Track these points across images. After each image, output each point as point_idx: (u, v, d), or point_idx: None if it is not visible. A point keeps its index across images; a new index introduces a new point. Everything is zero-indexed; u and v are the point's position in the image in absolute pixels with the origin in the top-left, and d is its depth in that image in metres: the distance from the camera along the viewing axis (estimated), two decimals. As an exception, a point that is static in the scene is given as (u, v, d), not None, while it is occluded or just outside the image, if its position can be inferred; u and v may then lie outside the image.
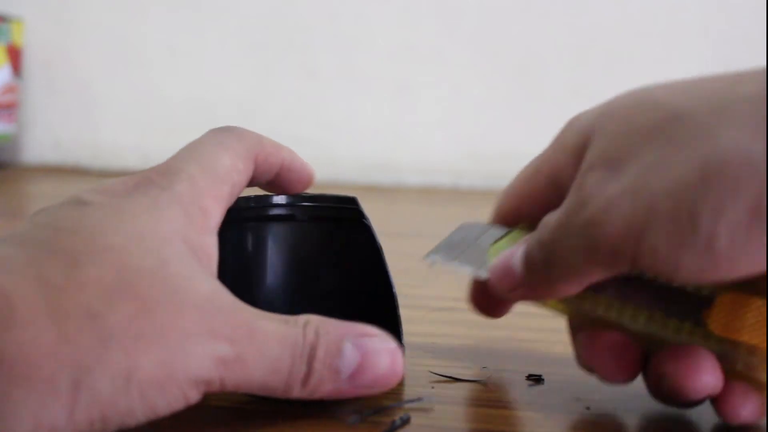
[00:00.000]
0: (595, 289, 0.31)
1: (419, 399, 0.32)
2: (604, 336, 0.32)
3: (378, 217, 0.87)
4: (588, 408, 0.33)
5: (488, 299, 0.36)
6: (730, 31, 0.94)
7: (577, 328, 0.34)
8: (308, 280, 0.37)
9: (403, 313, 0.45)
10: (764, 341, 0.29)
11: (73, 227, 0.28)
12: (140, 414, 0.26)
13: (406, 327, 0.37)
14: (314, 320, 0.29)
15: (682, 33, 0.96)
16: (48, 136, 1.14)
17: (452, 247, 0.36)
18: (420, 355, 0.38)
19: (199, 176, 0.31)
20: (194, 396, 0.27)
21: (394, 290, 0.37)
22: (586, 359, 0.33)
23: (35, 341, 0.25)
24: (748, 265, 0.26)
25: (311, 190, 0.37)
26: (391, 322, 0.36)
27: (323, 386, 0.29)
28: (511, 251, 0.33)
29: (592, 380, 0.34)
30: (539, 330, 0.42)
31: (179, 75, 1.07)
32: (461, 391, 0.34)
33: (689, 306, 0.30)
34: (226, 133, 0.33)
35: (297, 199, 0.37)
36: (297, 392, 0.28)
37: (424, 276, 0.56)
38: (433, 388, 0.34)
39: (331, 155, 1.03)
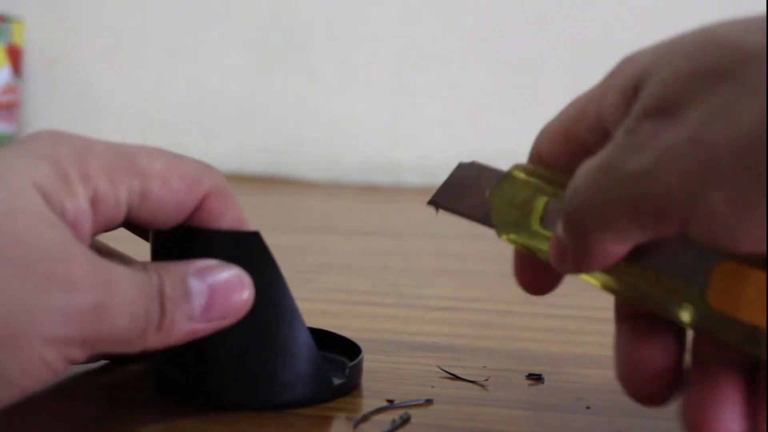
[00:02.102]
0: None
1: (429, 400, 0.32)
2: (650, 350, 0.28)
3: (378, 217, 0.87)
4: (588, 408, 0.33)
5: (533, 273, 0.32)
6: (730, 31, 0.94)
7: (622, 319, 0.29)
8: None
9: (403, 312, 0.45)
10: (764, 320, 0.25)
11: None
12: None
13: (406, 327, 0.37)
14: (151, 264, 0.28)
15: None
16: (48, 136, 1.14)
17: (453, 192, 0.35)
18: (420, 354, 0.38)
19: (101, 147, 0.30)
20: (54, 358, 0.25)
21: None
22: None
23: None
24: None
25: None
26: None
27: (178, 327, 0.27)
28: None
29: (592, 380, 0.34)
30: (539, 330, 0.42)
31: (179, 75, 1.07)
32: (461, 390, 0.34)
33: (697, 269, 0.26)
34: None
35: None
36: (152, 338, 0.27)
37: (424, 276, 0.56)
38: (433, 387, 0.34)
39: (331, 155, 1.03)
